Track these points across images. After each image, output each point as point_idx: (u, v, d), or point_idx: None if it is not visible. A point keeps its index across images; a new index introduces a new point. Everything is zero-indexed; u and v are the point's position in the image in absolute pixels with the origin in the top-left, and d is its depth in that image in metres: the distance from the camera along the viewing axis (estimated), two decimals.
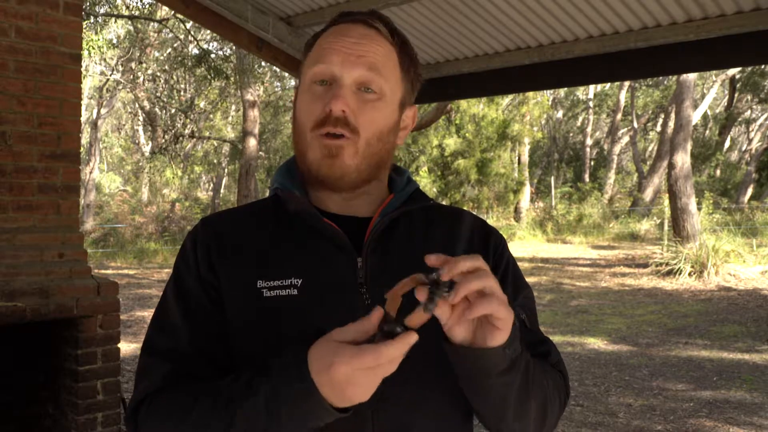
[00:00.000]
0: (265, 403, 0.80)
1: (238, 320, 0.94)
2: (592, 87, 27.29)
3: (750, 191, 21.24)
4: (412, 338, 0.74)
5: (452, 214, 1.09)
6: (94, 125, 22.95)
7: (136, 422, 0.93)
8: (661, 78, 24.05)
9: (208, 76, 14.05)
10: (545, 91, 23.00)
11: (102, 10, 14.55)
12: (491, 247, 1.05)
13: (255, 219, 1.02)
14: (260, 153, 22.73)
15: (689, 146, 13.70)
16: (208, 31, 14.27)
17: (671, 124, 16.11)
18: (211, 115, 25.28)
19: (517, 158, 22.16)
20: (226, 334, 0.94)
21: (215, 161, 28.92)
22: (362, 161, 0.95)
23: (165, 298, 0.99)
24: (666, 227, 14.45)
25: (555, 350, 1.04)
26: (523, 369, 0.87)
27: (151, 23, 17.94)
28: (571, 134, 32.37)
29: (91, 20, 14.21)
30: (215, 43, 18.16)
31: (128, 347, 6.57)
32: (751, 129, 28.62)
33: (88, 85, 23.68)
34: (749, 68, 20.40)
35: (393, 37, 0.99)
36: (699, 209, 14.27)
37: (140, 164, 27.83)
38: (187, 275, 0.97)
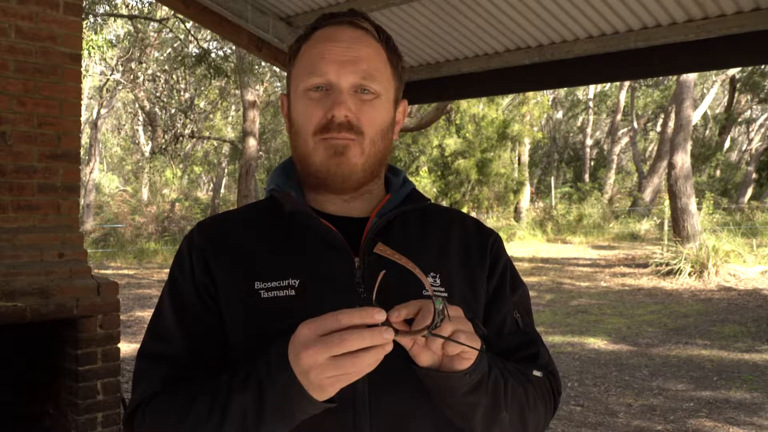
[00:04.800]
0: (255, 397, 0.81)
1: (236, 322, 0.93)
2: (592, 87, 27.28)
3: (750, 191, 21.24)
4: (379, 315, 0.73)
5: (448, 214, 1.10)
6: (94, 125, 22.94)
7: (132, 427, 0.94)
8: (661, 78, 24.03)
9: (208, 75, 14.04)
10: (545, 91, 22.99)
11: (102, 10, 14.54)
12: (489, 246, 1.05)
13: (251, 221, 1.02)
14: (260, 153, 22.72)
15: (689, 146, 13.70)
16: (208, 31, 14.26)
17: (671, 124, 16.10)
18: (211, 115, 25.26)
19: (517, 158, 22.14)
20: (223, 338, 0.94)
21: (215, 161, 28.91)
22: (367, 160, 0.96)
23: (161, 302, 0.99)
24: (666, 227, 14.45)
25: (544, 350, 1.04)
26: (491, 389, 0.88)
27: (151, 23, 17.94)
28: (571, 134, 32.35)
29: (91, 20, 14.20)
30: (215, 43, 18.14)
31: (128, 347, 6.57)
32: (751, 129, 28.62)
33: (88, 85, 23.67)
34: (749, 68, 20.40)
35: (379, 35, 0.99)
36: (699, 209, 14.27)
37: (140, 164, 27.83)
38: (183, 280, 0.97)
